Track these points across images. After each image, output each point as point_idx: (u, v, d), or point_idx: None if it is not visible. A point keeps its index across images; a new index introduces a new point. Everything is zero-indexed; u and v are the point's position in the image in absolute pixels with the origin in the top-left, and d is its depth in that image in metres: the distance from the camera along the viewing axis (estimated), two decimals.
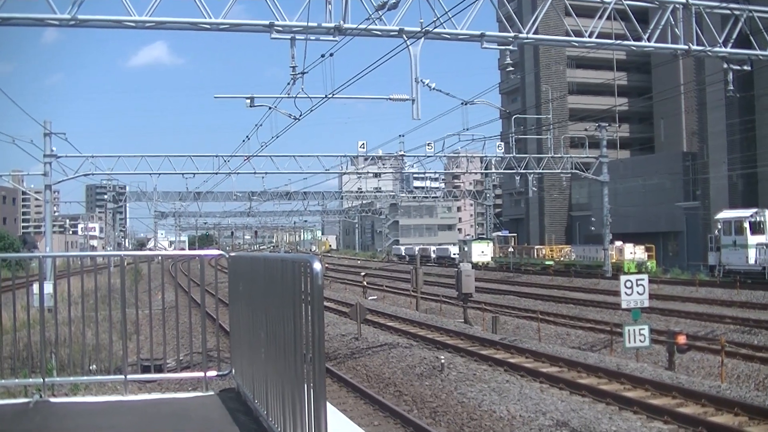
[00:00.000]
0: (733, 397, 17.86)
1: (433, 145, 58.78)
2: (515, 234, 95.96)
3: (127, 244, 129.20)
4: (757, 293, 39.70)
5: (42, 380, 8.28)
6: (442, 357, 23.55)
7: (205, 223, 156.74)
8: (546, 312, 36.51)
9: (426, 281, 48.81)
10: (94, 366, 9.95)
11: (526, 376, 21.96)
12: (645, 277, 25.38)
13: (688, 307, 36.69)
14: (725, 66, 27.16)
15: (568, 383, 20.48)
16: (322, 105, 28.29)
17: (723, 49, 26.32)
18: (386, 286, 58.48)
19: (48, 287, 10.32)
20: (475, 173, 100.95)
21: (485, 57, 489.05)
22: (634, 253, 63.79)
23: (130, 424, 7.07)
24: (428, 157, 61.86)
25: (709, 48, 26.26)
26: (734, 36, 26.47)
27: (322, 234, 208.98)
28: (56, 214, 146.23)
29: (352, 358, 26.76)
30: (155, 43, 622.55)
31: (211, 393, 8.38)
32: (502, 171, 71.86)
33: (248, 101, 31.00)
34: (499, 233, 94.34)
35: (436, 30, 22.49)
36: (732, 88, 27.83)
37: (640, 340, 22.98)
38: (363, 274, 63.67)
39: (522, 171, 67.42)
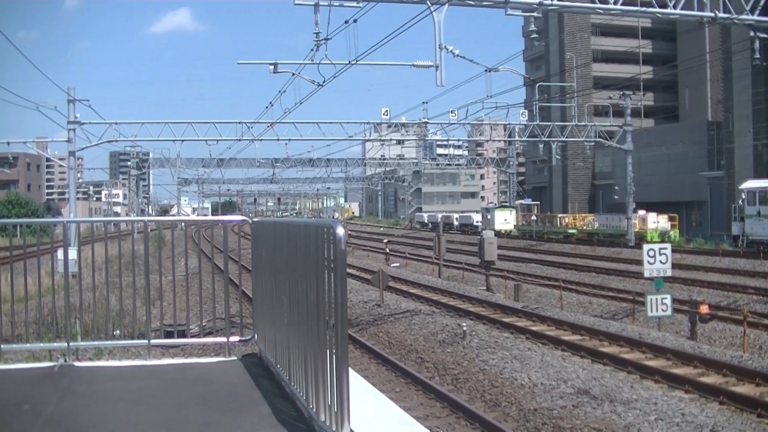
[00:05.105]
0: (754, 367, 17.80)
1: (456, 112, 58.53)
2: (538, 202, 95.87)
3: (150, 211, 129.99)
4: None
5: (66, 344, 8.34)
6: (464, 324, 23.58)
7: (228, 190, 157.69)
8: (568, 280, 36.41)
9: (448, 249, 48.74)
10: (118, 331, 10.02)
11: (548, 344, 21.97)
12: (668, 246, 25.28)
13: (710, 277, 36.52)
14: (752, 34, 26.81)
15: (590, 351, 20.47)
16: (345, 71, 28.35)
17: (750, 16, 25.98)
18: (409, 254, 58.45)
19: (72, 253, 10.36)
20: (499, 141, 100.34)
21: (510, 24, 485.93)
22: (658, 222, 63.53)
23: (154, 388, 7.13)
24: (452, 124, 61.64)
25: (735, 15, 25.92)
26: (761, 3, 26.12)
27: (345, 201, 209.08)
28: (80, 180, 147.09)
29: (375, 325, 26.83)
30: (178, 9, 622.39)
31: (234, 358, 8.42)
32: (525, 139, 71.43)
33: (272, 67, 31.01)
34: (522, 201, 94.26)
35: None
36: (758, 56, 27.50)
37: (662, 310, 22.92)
38: (386, 241, 63.76)
39: (545, 139, 67.03)
